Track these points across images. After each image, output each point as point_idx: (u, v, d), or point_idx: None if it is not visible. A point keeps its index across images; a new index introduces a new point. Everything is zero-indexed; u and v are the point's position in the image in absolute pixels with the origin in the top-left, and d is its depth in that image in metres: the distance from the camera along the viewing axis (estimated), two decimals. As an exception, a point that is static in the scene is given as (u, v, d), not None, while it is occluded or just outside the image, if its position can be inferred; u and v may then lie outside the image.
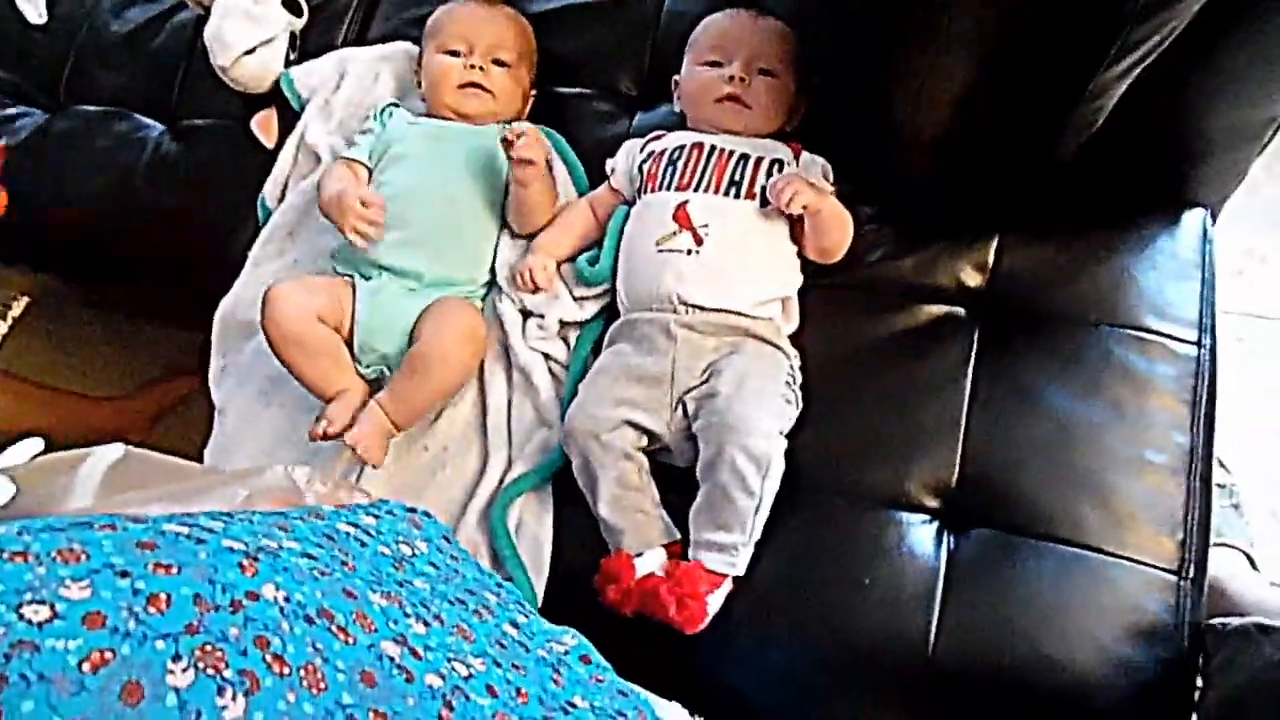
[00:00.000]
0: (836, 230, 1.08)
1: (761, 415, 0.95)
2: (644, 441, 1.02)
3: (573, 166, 1.26)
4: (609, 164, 1.21)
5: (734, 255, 1.06)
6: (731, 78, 1.14)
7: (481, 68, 1.23)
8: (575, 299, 1.16)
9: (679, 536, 1.00)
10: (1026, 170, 1.03)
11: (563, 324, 1.15)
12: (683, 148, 1.14)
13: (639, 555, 0.98)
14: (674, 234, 1.07)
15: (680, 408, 1.01)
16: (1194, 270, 1.09)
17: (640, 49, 1.34)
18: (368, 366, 1.14)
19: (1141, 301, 1.07)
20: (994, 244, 1.12)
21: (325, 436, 1.07)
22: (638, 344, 1.06)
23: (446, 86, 1.23)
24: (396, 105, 1.28)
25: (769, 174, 1.10)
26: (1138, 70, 0.85)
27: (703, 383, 1.01)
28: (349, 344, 1.13)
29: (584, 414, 1.02)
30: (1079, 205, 1.11)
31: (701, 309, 1.05)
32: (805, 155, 1.14)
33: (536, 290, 1.15)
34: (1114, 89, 0.87)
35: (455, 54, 1.24)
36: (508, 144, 1.10)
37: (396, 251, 1.15)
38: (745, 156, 1.11)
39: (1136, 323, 1.05)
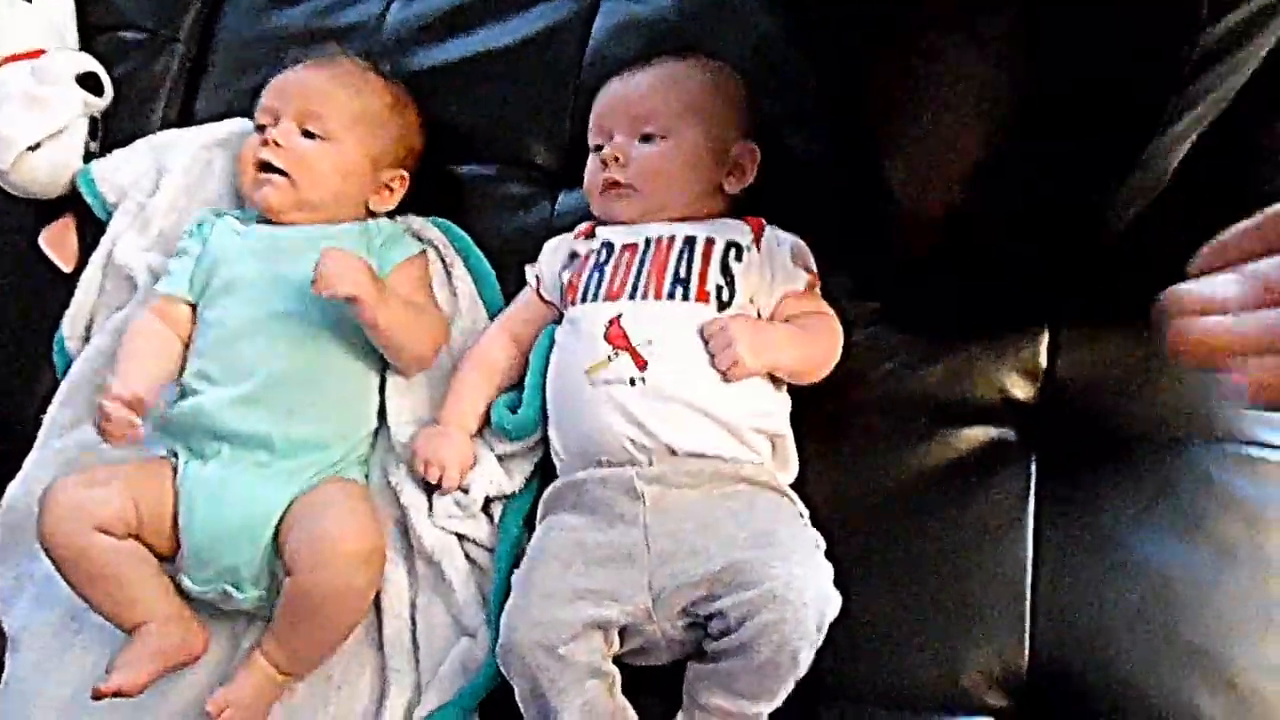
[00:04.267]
0: (812, 365, 1.09)
1: (810, 572, 0.93)
2: (616, 646, 0.98)
3: (480, 276, 1.25)
4: (529, 271, 1.20)
5: (692, 379, 1.04)
6: (605, 161, 1.16)
7: (277, 141, 1.21)
8: (501, 459, 1.14)
9: None
10: (1073, 248, 1.03)
11: (488, 499, 1.13)
12: (611, 246, 1.14)
13: None
14: (609, 359, 1.05)
15: (665, 591, 0.97)
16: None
17: (558, 107, 1.34)
18: (203, 585, 1.09)
19: (1243, 406, 1.07)
20: (1044, 342, 1.12)
21: (100, 695, 1.01)
22: (591, 513, 1.03)
23: (244, 173, 1.23)
24: (220, 215, 1.26)
25: (725, 264, 1.10)
26: (1205, 124, 0.87)
27: (698, 550, 0.97)
28: (170, 556, 1.09)
29: (529, 620, 0.97)
30: (1149, 286, 1.09)
31: (672, 452, 1.03)
32: (769, 233, 1.14)
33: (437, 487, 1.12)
34: (1176, 150, 0.89)
35: (262, 129, 1.24)
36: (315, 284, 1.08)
37: (237, 413, 1.11)
38: (690, 242, 1.11)
39: (1240, 434, 1.05)
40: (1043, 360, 1.12)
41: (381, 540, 1.09)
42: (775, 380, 1.09)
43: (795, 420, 1.09)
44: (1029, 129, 0.88)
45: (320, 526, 1.05)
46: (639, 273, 1.10)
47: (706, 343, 1.04)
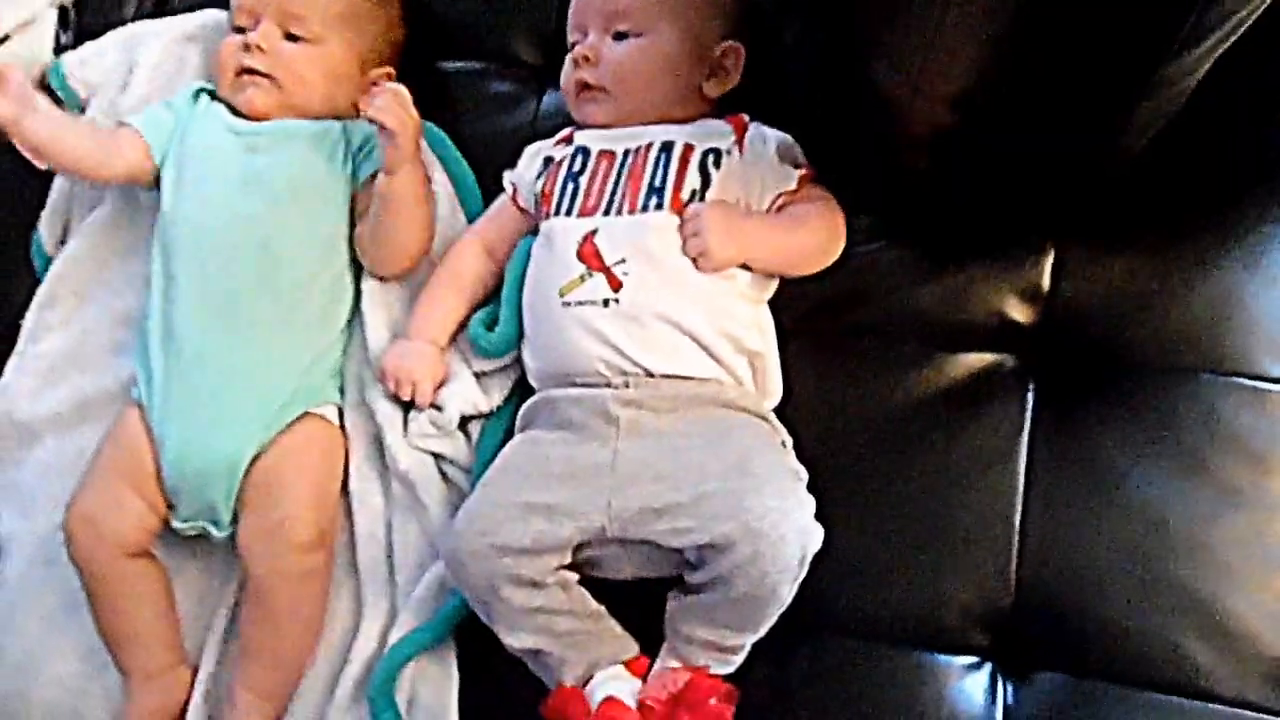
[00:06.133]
0: (801, 255, 1.06)
1: (788, 505, 0.91)
2: (566, 559, 0.97)
3: (459, 180, 1.20)
4: (507, 178, 1.15)
5: (668, 297, 1.00)
6: (576, 61, 1.10)
7: (261, 46, 1.16)
8: (478, 377, 1.11)
9: (638, 651, 0.98)
10: (1080, 169, 0.99)
11: (466, 418, 1.11)
12: (586, 153, 1.09)
13: (588, 683, 0.96)
14: (581, 279, 1.02)
15: (625, 513, 0.95)
16: (1329, 285, 1.05)
17: (543, -3, 1.29)
18: (185, 522, 1.09)
19: (1256, 336, 1.03)
20: (1048, 263, 1.09)
21: None
22: (563, 429, 1.01)
23: (223, 76, 1.19)
24: (213, 94, 1.22)
25: (704, 171, 1.05)
26: (1226, 45, 0.80)
27: (664, 476, 0.95)
28: (160, 489, 1.09)
29: (475, 530, 0.96)
30: (1162, 204, 1.07)
31: (648, 375, 1.00)
32: (754, 131, 1.08)
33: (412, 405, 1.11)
34: (1194, 73, 0.83)
35: (241, 30, 1.19)
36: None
37: (201, 321, 1.09)
38: (668, 147, 1.06)
39: (1251, 368, 1.02)
40: (1045, 281, 1.09)
41: (333, 514, 1.10)
42: (753, 295, 1.06)
43: (781, 342, 1.07)
44: (1035, 46, 0.82)
45: (275, 516, 1.06)
46: (615, 187, 1.06)
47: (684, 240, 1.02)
